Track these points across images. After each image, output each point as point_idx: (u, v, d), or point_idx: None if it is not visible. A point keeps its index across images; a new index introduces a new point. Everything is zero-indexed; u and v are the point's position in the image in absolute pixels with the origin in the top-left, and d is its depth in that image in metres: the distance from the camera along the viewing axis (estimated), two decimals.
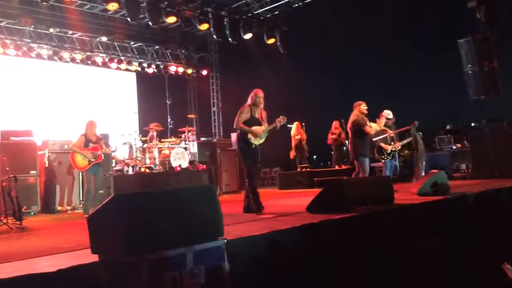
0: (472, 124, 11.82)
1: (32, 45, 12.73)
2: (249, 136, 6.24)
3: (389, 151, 8.77)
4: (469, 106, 11.66)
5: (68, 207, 9.21)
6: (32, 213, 8.58)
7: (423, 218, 5.62)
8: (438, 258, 5.23)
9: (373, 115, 9.55)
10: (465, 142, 11.88)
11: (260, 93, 6.39)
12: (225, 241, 3.08)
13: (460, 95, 11.98)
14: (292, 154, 13.15)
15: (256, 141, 6.30)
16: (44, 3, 10.53)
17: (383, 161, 8.90)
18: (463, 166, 11.66)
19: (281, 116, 6.45)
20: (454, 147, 12.11)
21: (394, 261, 4.91)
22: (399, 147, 9.03)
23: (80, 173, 9.32)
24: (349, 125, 8.22)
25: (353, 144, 8.10)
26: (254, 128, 6.28)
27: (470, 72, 10.96)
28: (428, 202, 5.97)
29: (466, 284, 5.11)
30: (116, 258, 2.77)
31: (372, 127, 8.17)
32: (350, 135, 8.20)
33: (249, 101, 6.38)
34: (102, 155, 8.02)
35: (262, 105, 6.43)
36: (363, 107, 8.12)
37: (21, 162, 8.55)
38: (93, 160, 7.89)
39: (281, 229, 4.29)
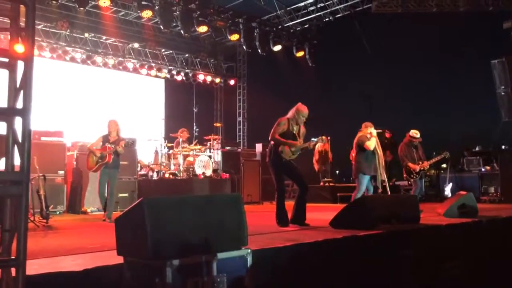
0: (503, 147, 11.54)
1: (67, 48, 13.11)
2: (281, 149, 5.97)
3: (418, 171, 8.64)
4: (501, 128, 11.40)
5: (91, 209, 9.31)
6: (58, 212, 8.75)
7: (450, 240, 5.49)
8: (463, 282, 5.10)
9: (400, 134, 9.42)
10: (495, 164, 11.59)
11: (306, 111, 6.11)
12: (249, 250, 3.08)
13: (492, 116, 11.73)
14: (316, 166, 13.08)
15: (287, 155, 6.02)
16: (81, 9, 10.83)
17: (413, 180, 8.76)
18: (492, 189, 11.34)
19: (319, 137, 6.24)
20: (483, 169, 11.81)
21: (418, 282, 4.81)
22: (428, 167, 8.89)
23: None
24: (355, 140, 8.03)
25: (356, 161, 7.90)
26: (290, 141, 6.02)
27: (503, 93, 10.76)
28: (455, 224, 5.84)
29: None
30: (141, 261, 2.80)
31: (370, 143, 7.91)
32: (355, 152, 7.96)
33: (289, 114, 6.14)
34: (111, 155, 7.46)
35: (301, 123, 6.19)
36: (370, 129, 7.86)
37: (50, 162, 8.75)
38: (100, 160, 7.47)
39: (304, 242, 4.26)
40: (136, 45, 14.41)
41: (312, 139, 6.32)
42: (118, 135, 7.72)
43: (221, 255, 2.92)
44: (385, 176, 7.92)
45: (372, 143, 7.78)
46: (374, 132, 7.84)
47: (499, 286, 5.43)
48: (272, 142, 6.09)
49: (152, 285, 2.72)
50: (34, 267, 3.04)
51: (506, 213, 7.17)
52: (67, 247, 4.36)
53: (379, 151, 7.87)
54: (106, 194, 7.47)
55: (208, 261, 2.84)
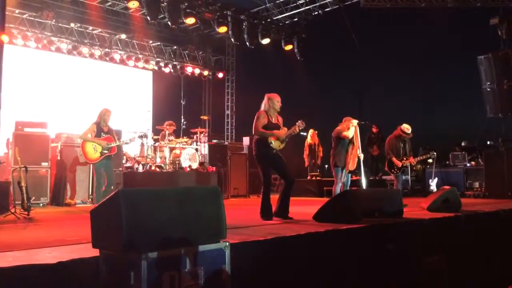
0: (488, 142, 11.65)
1: (53, 38, 12.91)
2: (270, 140, 5.94)
3: (400, 166, 8.68)
4: (486, 123, 11.51)
5: (76, 201, 9.23)
6: (41, 204, 8.63)
7: (432, 234, 5.52)
8: (445, 275, 5.13)
9: (387, 129, 9.45)
10: (480, 160, 11.70)
11: (278, 98, 6.12)
12: (227, 243, 3.05)
13: (477, 112, 11.83)
14: (307, 162, 13.14)
15: (277, 145, 6.00)
16: None
17: (393, 175, 8.82)
18: (476, 184, 11.47)
19: (299, 121, 6.17)
20: (468, 165, 11.94)
21: (399, 276, 4.83)
22: (414, 163, 8.93)
23: (90, 167, 9.35)
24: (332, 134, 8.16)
25: (331, 154, 8.04)
26: (275, 131, 6.02)
27: (488, 89, 10.85)
28: (437, 218, 5.87)
29: None
30: (116, 254, 2.76)
31: (349, 132, 7.90)
32: (333, 145, 8.08)
33: (264, 107, 6.11)
34: (116, 147, 7.55)
35: (278, 110, 6.17)
36: (353, 121, 7.93)
37: (33, 153, 8.62)
38: (106, 152, 7.43)
39: (285, 236, 4.23)
40: (123, 36, 14.25)
41: (296, 124, 6.28)
42: (108, 125, 7.69)
43: (198, 248, 2.89)
44: (353, 167, 7.92)
45: (351, 132, 7.80)
46: (355, 122, 7.86)
47: (480, 279, 5.49)
48: (256, 137, 6.06)
49: (127, 278, 2.68)
50: (8, 259, 2.99)
51: (489, 208, 7.23)
52: (46, 239, 4.28)
53: (355, 142, 7.87)
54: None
55: (184, 254, 2.81)
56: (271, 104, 6.09)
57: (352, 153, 7.83)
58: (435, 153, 9.16)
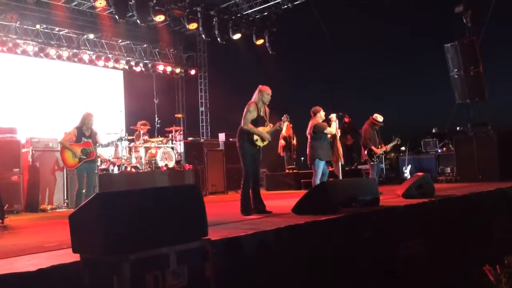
0: (457, 128, 11.97)
1: (18, 41, 12.54)
2: (255, 138, 6.03)
3: (378, 155, 8.88)
4: (455, 110, 11.82)
5: (51, 206, 9.06)
6: (15, 211, 8.43)
7: (408, 220, 5.66)
8: (422, 259, 5.28)
9: (362, 118, 9.61)
10: (450, 145, 12.02)
11: (269, 90, 6.18)
12: (209, 241, 3.06)
13: (446, 99, 12.14)
14: (280, 149, 13.12)
15: (260, 143, 6.09)
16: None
17: (371, 164, 8.99)
18: (448, 170, 11.79)
19: (285, 115, 6.30)
20: (439, 151, 12.25)
21: (378, 262, 4.94)
22: (389, 149, 9.17)
23: (65, 171, 9.20)
24: (308, 130, 8.15)
25: (311, 148, 8.06)
26: (261, 129, 6.08)
27: (456, 76, 11.13)
28: (412, 205, 6.02)
29: (449, 286, 5.16)
30: (98, 257, 2.74)
31: (332, 128, 8.06)
32: (309, 139, 8.10)
33: (254, 98, 6.15)
34: (95, 151, 7.48)
35: (267, 103, 6.23)
36: (322, 112, 8.11)
37: (4, 160, 8.43)
38: (84, 157, 7.36)
39: (266, 230, 4.28)
40: (91, 36, 13.96)
41: (282, 120, 6.41)
42: (92, 128, 7.67)
43: (180, 247, 2.89)
44: (343, 161, 8.17)
45: (333, 128, 7.96)
46: (334, 116, 8.00)
47: (456, 262, 5.66)
48: (242, 127, 6.09)
49: (110, 281, 2.66)
50: None
51: (461, 192, 7.45)
52: (23, 246, 4.20)
53: (336, 135, 8.06)
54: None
55: (167, 254, 2.81)
56: (260, 96, 6.16)
57: (339, 148, 8.06)
58: (399, 138, 9.41)
